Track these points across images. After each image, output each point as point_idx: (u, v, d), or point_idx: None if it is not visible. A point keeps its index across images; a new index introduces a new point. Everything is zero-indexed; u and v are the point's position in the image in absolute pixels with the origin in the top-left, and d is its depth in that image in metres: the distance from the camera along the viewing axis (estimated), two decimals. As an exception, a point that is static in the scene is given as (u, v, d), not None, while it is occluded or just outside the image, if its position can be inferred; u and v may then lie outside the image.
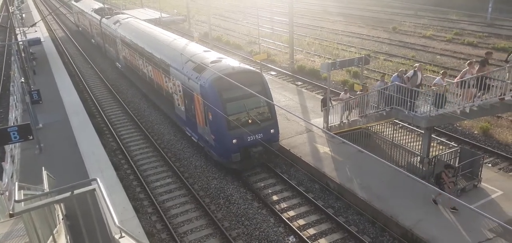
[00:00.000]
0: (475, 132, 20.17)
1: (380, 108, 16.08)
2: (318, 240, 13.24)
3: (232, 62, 18.39)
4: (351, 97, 18.45)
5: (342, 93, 19.60)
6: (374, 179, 15.27)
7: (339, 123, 18.78)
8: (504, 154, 17.70)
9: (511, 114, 20.73)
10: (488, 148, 18.35)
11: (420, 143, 16.21)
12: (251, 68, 19.03)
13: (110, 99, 28.58)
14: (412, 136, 18.22)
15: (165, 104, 23.22)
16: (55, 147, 19.74)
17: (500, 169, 16.59)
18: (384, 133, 18.64)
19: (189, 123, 19.24)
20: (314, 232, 13.62)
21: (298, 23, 46.46)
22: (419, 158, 15.74)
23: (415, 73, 15.34)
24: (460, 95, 13.55)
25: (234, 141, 16.07)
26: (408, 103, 14.58)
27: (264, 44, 40.54)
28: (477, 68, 13.70)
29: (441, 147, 17.61)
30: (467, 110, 13.34)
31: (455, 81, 14.19)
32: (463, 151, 15.30)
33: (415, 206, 13.65)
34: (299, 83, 29.11)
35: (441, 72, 15.29)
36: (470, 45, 37.34)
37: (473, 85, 13.14)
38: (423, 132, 15.54)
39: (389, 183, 14.89)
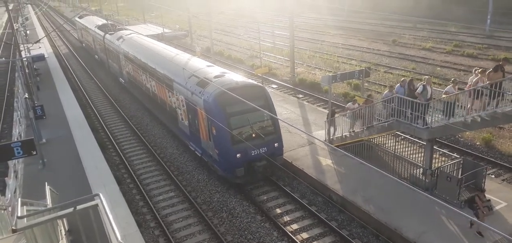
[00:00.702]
0: (477, 143, 20.14)
1: (386, 118, 15.96)
2: (322, 253, 13.19)
3: (235, 76, 18.47)
4: (359, 106, 18.16)
5: (349, 103, 19.55)
6: (377, 191, 15.24)
7: (341, 135, 18.76)
8: (507, 165, 17.65)
9: (513, 125, 20.74)
10: (491, 159, 18.31)
11: (422, 154, 16.18)
12: (254, 82, 19.03)
13: (113, 114, 28.73)
14: (414, 147, 18.22)
15: (168, 119, 23.19)
16: (58, 162, 19.82)
17: (503, 180, 16.53)
18: (386, 145, 18.64)
19: (193, 137, 19.24)
20: (317, 245, 13.57)
21: (298, 37, 46.75)
22: (421, 169, 15.71)
23: (424, 88, 14.85)
24: (473, 103, 13.31)
25: (238, 155, 16.04)
26: (418, 117, 14.40)
27: (266, 58, 40.78)
28: (488, 75, 13.44)
29: (443, 158, 17.58)
30: (478, 120, 13.12)
31: (466, 89, 14.00)
32: (465, 162, 15.28)
33: (418, 218, 13.60)
34: (301, 96, 29.21)
35: (451, 80, 15.09)
36: (470, 57, 37.45)
37: (486, 94, 12.91)
38: (425, 143, 15.52)
39: (392, 195, 14.86)
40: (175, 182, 18.29)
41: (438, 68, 34.26)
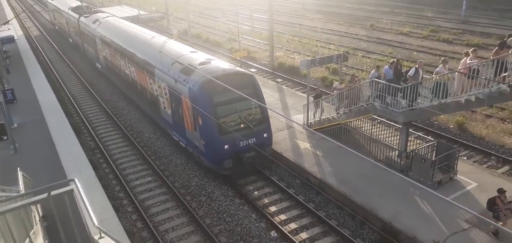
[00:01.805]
0: (451, 126, 20.68)
1: (373, 100, 15.91)
2: (299, 234, 13.36)
3: (222, 63, 17.77)
4: (348, 86, 17.99)
5: (336, 83, 19.47)
6: (353, 174, 15.50)
7: (327, 117, 18.70)
8: (479, 147, 18.22)
9: (485, 109, 21.36)
10: (464, 142, 18.86)
11: (398, 137, 16.51)
12: (242, 70, 18.19)
13: (88, 98, 28.05)
14: (390, 131, 18.55)
15: (149, 107, 22.31)
16: (31, 147, 19.26)
17: (475, 161, 17.07)
18: (363, 128, 18.91)
19: (176, 127, 18.48)
20: (295, 226, 13.74)
21: (277, 21, 46.57)
22: (397, 152, 16.05)
23: (416, 70, 14.90)
24: (469, 83, 13.08)
25: (225, 146, 15.50)
26: (408, 97, 14.34)
27: (244, 42, 40.50)
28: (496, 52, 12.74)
29: (418, 141, 17.99)
30: (473, 99, 13.05)
31: (460, 69, 13.72)
32: (439, 144, 15.68)
33: (393, 199, 13.92)
34: (279, 80, 29.23)
35: (441, 60, 14.95)
36: (445, 42, 38.23)
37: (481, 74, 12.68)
38: (400, 127, 15.82)
39: (368, 177, 15.14)
40: (152, 166, 18.10)
41: (415, 53, 34.85)
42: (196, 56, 18.60)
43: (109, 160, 18.83)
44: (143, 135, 21.70)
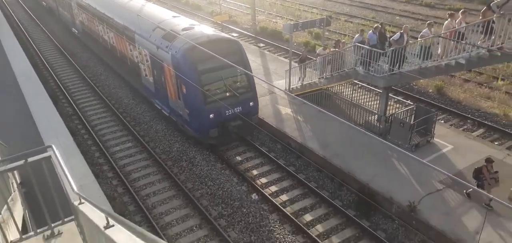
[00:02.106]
0: (430, 91, 21.03)
1: (356, 65, 15.86)
2: (280, 196, 13.61)
3: (206, 29, 17.02)
4: (332, 51, 17.67)
5: (320, 49, 19.26)
6: (333, 138, 15.72)
7: (309, 81, 18.69)
8: (456, 111, 18.64)
9: (464, 74, 21.74)
10: (441, 106, 19.24)
11: (378, 102, 16.72)
12: (228, 36, 17.56)
13: (64, 65, 27.25)
14: (371, 95, 18.75)
15: (130, 74, 21.42)
16: (5, 114, 18.74)
17: (451, 125, 17.50)
18: (344, 93, 19.06)
19: (159, 95, 17.86)
20: (276, 189, 13.98)
21: (259, -16, 45.63)
22: (376, 116, 16.29)
23: (401, 35, 14.89)
24: (455, 46, 13.13)
25: (211, 115, 15.10)
26: (392, 62, 14.37)
27: (225, 5, 39.70)
28: (483, 13, 12.62)
29: (397, 105, 18.28)
30: (453, 63, 13.20)
31: (446, 32, 13.64)
32: (418, 108, 15.96)
33: (371, 162, 14.23)
34: (262, 45, 28.95)
35: (427, 23, 14.78)
36: (427, 6, 38.28)
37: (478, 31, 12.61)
38: (381, 91, 16.00)
39: (348, 141, 15.39)
40: (132, 132, 17.93)
41: (397, 18, 34.86)
42: (179, 22, 17.91)
43: (88, 126, 18.55)
44: (122, 100, 21.36)
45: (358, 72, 15.68)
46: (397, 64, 14.33)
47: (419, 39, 14.40)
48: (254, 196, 13.61)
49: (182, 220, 12.79)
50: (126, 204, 13.60)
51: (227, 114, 15.35)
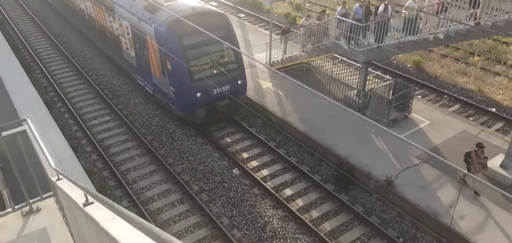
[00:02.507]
0: (408, 65, 21.31)
1: (340, 38, 15.74)
2: (260, 171, 13.72)
3: (190, 1, 15.93)
4: (314, 22, 17.44)
5: (303, 19, 18.87)
6: (313, 113, 15.83)
7: (281, 58, 18.76)
8: (433, 86, 19.00)
9: (441, 49, 22.07)
10: (419, 81, 19.55)
11: (358, 76, 16.84)
12: (214, 9, 16.57)
13: (36, 33, 26.24)
14: (350, 70, 18.86)
15: (109, 47, 20.33)
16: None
17: (428, 100, 17.85)
18: (324, 68, 19.11)
19: (142, 71, 17.01)
20: (257, 163, 14.06)
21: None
22: (355, 91, 16.44)
23: (386, 7, 14.80)
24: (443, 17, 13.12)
25: (198, 94, 14.39)
26: (375, 35, 14.39)
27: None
28: None
29: (376, 80, 18.46)
30: (431, 39, 13.26)
31: (432, 4, 13.65)
32: (396, 83, 16.18)
33: (350, 136, 14.45)
34: (242, 15, 28.56)
35: None
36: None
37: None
38: (360, 66, 16.10)
39: (327, 116, 15.52)
40: (110, 105, 17.59)
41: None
42: None
43: (64, 98, 18.09)
44: (98, 72, 20.83)
45: (339, 45, 15.70)
46: (380, 37, 14.34)
47: (403, 11, 14.39)
48: (236, 171, 13.67)
49: (163, 195, 12.76)
50: (106, 179, 13.45)
51: (214, 93, 14.68)
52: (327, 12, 18.59)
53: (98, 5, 19.93)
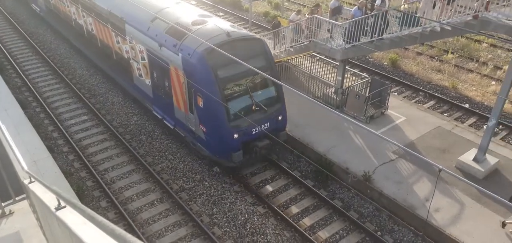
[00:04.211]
0: (384, 63, 21.67)
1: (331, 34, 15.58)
2: (241, 169, 13.72)
3: (221, 23, 13.70)
4: (303, 18, 17.15)
5: (293, 14, 18.42)
6: (292, 110, 15.84)
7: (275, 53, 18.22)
8: (409, 83, 19.38)
9: (417, 47, 22.54)
10: (395, 78, 19.92)
11: (335, 75, 17.03)
12: (250, 33, 14.24)
13: (9, 30, 25.53)
14: (328, 68, 19.06)
15: (115, 71, 17.85)
16: None
17: (404, 97, 18.21)
18: (303, 66, 19.24)
19: (160, 102, 14.85)
20: (237, 162, 14.07)
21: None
22: (334, 89, 16.63)
23: (383, 1, 14.58)
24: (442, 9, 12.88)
25: (235, 135, 12.37)
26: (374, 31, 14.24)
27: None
28: None
29: (354, 78, 18.72)
30: (438, 29, 13.13)
31: None
32: (373, 81, 16.45)
33: (328, 133, 14.63)
34: (221, 14, 28.46)
35: None
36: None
37: None
38: (338, 64, 16.29)
39: (306, 113, 15.67)
40: (87, 104, 17.29)
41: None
42: (183, 11, 14.76)
43: (39, 98, 17.68)
44: (75, 71, 20.44)
45: (317, 44, 15.84)
46: (380, 31, 14.21)
47: (403, 4, 14.25)
48: (216, 169, 13.65)
49: (142, 194, 12.65)
50: (84, 179, 13.25)
51: (253, 133, 12.73)
52: (320, 5, 18.30)
53: (102, 22, 17.30)
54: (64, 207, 3.53)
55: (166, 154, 14.48)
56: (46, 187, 4.42)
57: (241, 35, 13.16)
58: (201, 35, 12.06)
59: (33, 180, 5.52)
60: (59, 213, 3.44)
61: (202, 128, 12.71)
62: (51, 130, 15.77)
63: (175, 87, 13.39)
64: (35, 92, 18.11)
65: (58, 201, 3.62)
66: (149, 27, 14.17)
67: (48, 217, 4.17)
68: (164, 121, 14.78)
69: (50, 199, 3.96)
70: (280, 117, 13.41)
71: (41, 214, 5.25)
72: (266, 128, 12.88)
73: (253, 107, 12.65)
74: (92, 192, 12.71)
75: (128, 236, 1.95)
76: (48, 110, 16.76)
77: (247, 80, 12.69)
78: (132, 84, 16.61)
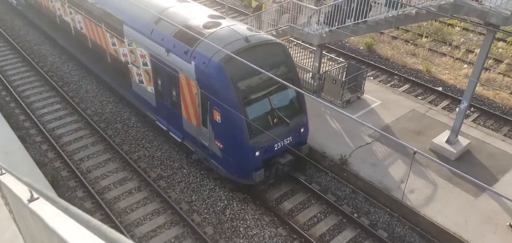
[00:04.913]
0: (361, 48, 21.90)
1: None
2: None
3: (236, 25, 12.08)
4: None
5: None
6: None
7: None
8: (384, 68, 19.68)
9: (392, 31, 22.85)
10: (371, 62, 20.18)
11: (312, 60, 17.10)
12: (270, 37, 12.28)
13: (-24, 16, 24.49)
14: (305, 53, 19.10)
15: (110, 74, 16.12)
16: None
17: (380, 81, 18.49)
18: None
19: (165, 112, 13.36)
20: (215, 149, 14.03)
21: None
22: (311, 74, 16.72)
23: None
24: None
25: (257, 153, 11.16)
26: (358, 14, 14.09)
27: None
28: None
29: (331, 63, 18.85)
30: (413, 13, 13.17)
31: None
32: (349, 66, 16.61)
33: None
34: (197, -1, 28.02)
35: None
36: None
37: None
38: (315, 49, 16.35)
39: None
40: (60, 93, 16.82)
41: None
42: (188, 9, 13.24)
43: (9, 87, 17.08)
44: (46, 59, 19.81)
45: (294, 28, 15.83)
46: (362, 14, 14.14)
47: None
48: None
49: (120, 183, 12.48)
50: (59, 169, 12.95)
51: (275, 148, 11.59)
52: None
53: (94, 21, 15.51)
54: (37, 198, 3.44)
55: (143, 142, 14.30)
56: (17, 179, 4.29)
57: (260, 39, 11.65)
58: (216, 41, 10.74)
59: (4, 171, 5.34)
60: (32, 205, 3.35)
61: (218, 144, 11.43)
62: (23, 119, 15.29)
63: (185, 98, 11.99)
64: (5, 81, 17.47)
65: (31, 192, 3.52)
66: (153, 29, 12.66)
67: (21, 210, 4.06)
68: (170, 133, 13.41)
69: (22, 191, 3.84)
70: (302, 130, 12.25)
71: (14, 206, 5.10)
72: (288, 142, 11.76)
73: (275, 120, 11.50)
74: (68, 182, 12.46)
75: (104, 227, 1.92)
76: (19, 99, 16.22)
77: (269, 91, 11.43)
78: (130, 91, 15.05)
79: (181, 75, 11.71)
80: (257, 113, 11.22)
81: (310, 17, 15.64)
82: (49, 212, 2.84)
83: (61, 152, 13.49)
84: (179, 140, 13.04)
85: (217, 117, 11.03)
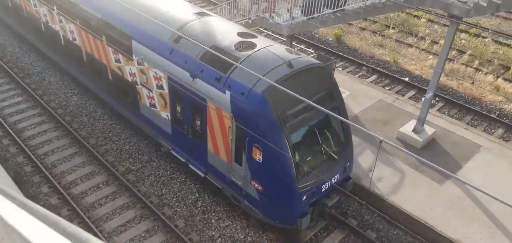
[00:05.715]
0: (330, 39, 22.14)
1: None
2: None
3: (274, 47, 10.45)
4: None
5: None
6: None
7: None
8: (353, 58, 19.99)
9: (360, 22, 23.21)
10: (340, 53, 20.44)
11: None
12: (312, 60, 10.76)
13: None
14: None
15: (112, 93, 14.22)
16: None
17: (348, 72, 18.77)
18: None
19: (184, 143, 11.71)
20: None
21: None
22: (282, 64, 16.68)
23: None
24: None
25: (304, 197, 9.68)
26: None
27: None
28: None
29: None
30: (380, 5, 13.21)
31: None
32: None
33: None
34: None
35: None
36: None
37: None
38: (285, 39, 16.37)
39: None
40: (21, 85, 16.12)
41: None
42: (212, 25, 11.53)
43: (-35, 79, 16.23)
44: (5, 49, 18.90)
45: (264, 19, 15.77)
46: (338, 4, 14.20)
47: None
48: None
49: (87, 178, 12.13)
50: (22, 164, 12.44)
51: (323, 189, 10.18)
52: None
53: (92, 33, 13.58)
54: (-6, 196, 3.25)
55: (110, 135, 13.93)
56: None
57: (304, 64, 10.06)
58: (255, 67, 9.29)
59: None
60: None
61: (256, 185, 9.91)
62: (-19, 113, 14.59)
63: (214, 130, 10.42)
64: (-40, 73, 16.59)
65: (-12, 189, 3.32)
66: (173, 49, 10.93)
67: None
68: (190, 166, 11.76)
69: (-22, 188, 3.62)
70: (348, 164, 10.91)
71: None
72: (335, 180, 10.41)
73: (323, 157, 10.08)
74: (32, 178, 12.00)
75: (63, 222, 1.83)
76: (-23, 92, 15.46)
77: (315, 124, 9.99)
78: (137, 114, 13.35)
79: (210, 105, 10.14)
80: (304, 151, 9.82)
81: (288, 10, 15.58)
82: (8, 209, 2.68)
83: (23, 146, 12.96)
84: (202, 175, 11.42)
85: (257, 156, 9.55)
